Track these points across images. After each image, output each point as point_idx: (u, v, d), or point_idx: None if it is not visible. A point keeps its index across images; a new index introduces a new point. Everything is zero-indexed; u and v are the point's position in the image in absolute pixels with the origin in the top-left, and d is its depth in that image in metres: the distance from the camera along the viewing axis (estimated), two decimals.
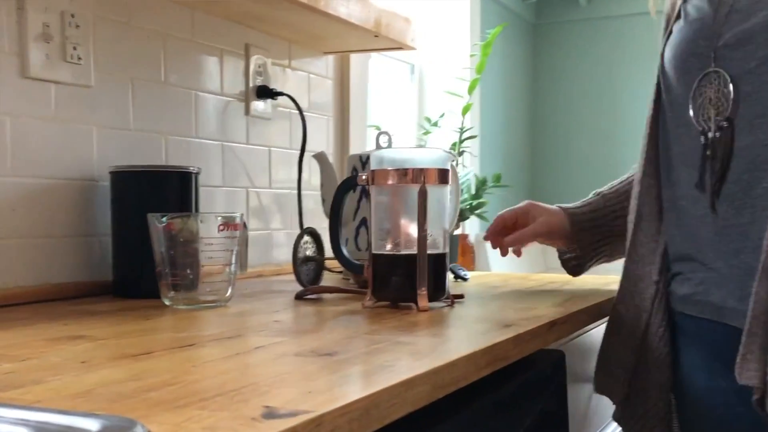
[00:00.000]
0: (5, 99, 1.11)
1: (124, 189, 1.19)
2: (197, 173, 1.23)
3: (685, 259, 1.00)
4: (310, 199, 1.68)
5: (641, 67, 3.25)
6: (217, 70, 1.51)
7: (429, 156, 1.08)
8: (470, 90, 2.45)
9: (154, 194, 1.19)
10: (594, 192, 1.27)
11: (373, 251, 1.07)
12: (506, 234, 1.27)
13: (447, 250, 1.08)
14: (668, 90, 1.02)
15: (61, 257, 1.18)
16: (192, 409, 0.52)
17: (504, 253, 1.28)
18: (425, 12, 2.80)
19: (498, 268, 1.82)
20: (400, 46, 1.75)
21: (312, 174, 1.70)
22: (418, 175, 1.04)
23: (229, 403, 0.53)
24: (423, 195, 1.03)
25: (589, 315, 1.08)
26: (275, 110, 1.66)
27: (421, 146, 2.47)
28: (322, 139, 1.83)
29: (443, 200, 1.08)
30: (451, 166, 1.33)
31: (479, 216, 2.30)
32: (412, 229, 1.05)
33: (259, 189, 1.63)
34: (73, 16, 1.19)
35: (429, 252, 1.04)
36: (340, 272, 1.45)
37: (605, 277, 1.51)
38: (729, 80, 0.92)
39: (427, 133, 2.47)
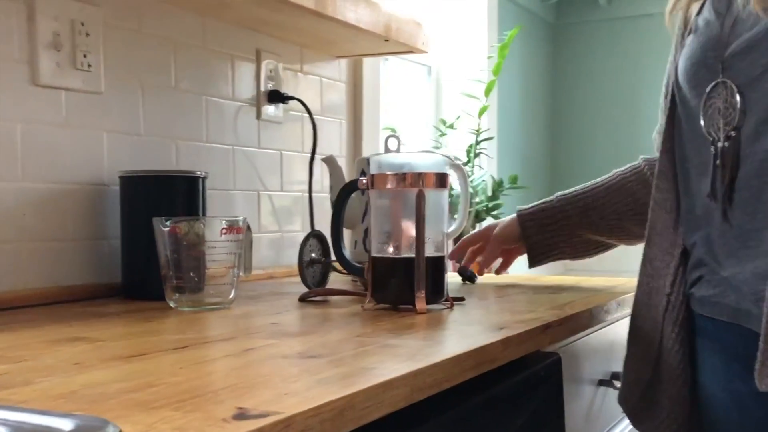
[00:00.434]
0: (16, 106, 1.14)
1: (133, 193, 1.22)
2: (204, 177, 1.26)
3: (704, 265, 1.01)
4: (325, 201, 1.70)
5: (663, 68, 3.23)
6: (229, 76, 1.53)
7: (427, 160, 1.09)
8: (487, 92, 2.46)
9: (162, 198, 1.22)
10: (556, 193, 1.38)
11: (373, 254, 1.09)
12: (472, 255, 1.44)
13: (446, 253, 1.09)
14: (683, 102, 1.04)
15: (71, 260, 1.21)
16: (167, 410, 0.53)
17: (481, 274, 1.48)
18: (442, 13, 2.81)
19: (514, 270, 1.82)
20: (411, 50, 1.76)
21: (324, 176, 1.72)
22: (416, 179, 1.05)
23: (205, 404, 0.55)
24: (421, 199, 1.04)
25: (585, 319, 1.09)
26: (287, 114, 1.68)
27: (435, 148, 2.48)
28: (335, 142, 1.85)
29: (442, 204, 1.09)
30: (461, 168, 1.35)
31: (495, 217, 2.30)
32: (412, 233, 1.06)
33: (271, 192, 1.65)
34: (83, 24, 1.22)
35: (427, 255, 1.05)
36: (349, 274, 1.47)
37: (616, 279, 1.52)
38: (735, 90, 0.94)
39: (442, 135, 2.48)
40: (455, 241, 1.89)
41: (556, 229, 1.34)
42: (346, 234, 1.50)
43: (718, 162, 0.96)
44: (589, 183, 1.34)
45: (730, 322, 0.95)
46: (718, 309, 0.98)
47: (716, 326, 0.99)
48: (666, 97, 1.11)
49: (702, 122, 0.99)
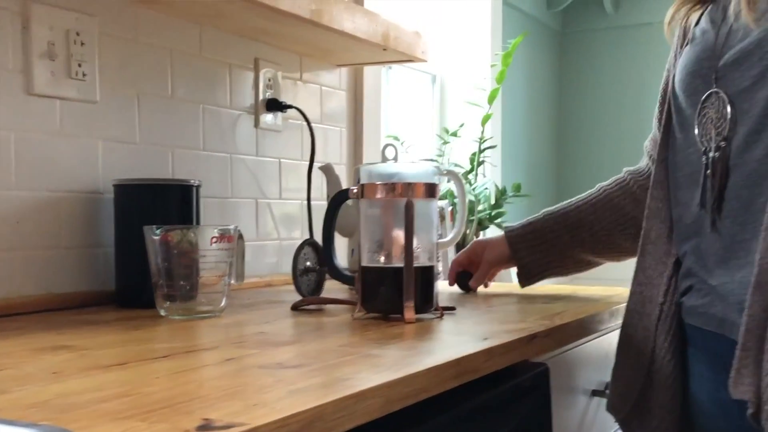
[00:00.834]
0: (9, 115, 1.15)
1: (127, 201, 1.23)
2: (198, 186, 1.26)
3: (693, 274, 1.01)
4: (324, 209, 1.70)
5: None
6: (226, 84, 1.54)
7: (417, 170, 1.10)
8: (490, 100, 2.46)
9: (156, 206, 1.22)
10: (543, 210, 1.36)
11: (363, 263, 1.09)
12: (467, 273, 1.43)
13: (435, 263, 1.09)
14: (678, 111, 1.05)
15: (65, 268, 1.22)
16: (134, 421, 0.54)
17: (474, 290, 1.45)
18: (446, 22, 2.81)
19: (511, 279, 1.82)
20: (410, 59, 1.76)
21: (323, 185, 1.72)
22: (406, 189, 1.06)
23: (173, 415, 0.55)
24: (410, 209, 1.04)
25: (574, 330, 1.09)
26: (286, 122, 1.69)
27: (438, 156, 2.48)
28: (335, 150, 1.85)
29: (431, 214, 1.09)
30: (457, 176, 1.36)
31: (498, 225, 2.30)
32: (402, 242, 1.06)
33: (270, 200, 1.65)
34: (78, 33, 1.23)
35: (417, 265, 1.05)
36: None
37: (613, 288, 1.51)
38: (727, 100, 0.94)
39: (446, 143, 2.48)
40: (456, 247, 1.89)
41: (547, 249, 1.33)
42: (344, 242, 1.50)
43: (708, 172, 0.96)
44: (574, 199, 1.34)
45: (717, 332, 0.95)
46: (705, 319, 0.98)
47: (704, 336, 0.98)
48: (662, 106, 1.11)
49: (696, 131, 0.99)
